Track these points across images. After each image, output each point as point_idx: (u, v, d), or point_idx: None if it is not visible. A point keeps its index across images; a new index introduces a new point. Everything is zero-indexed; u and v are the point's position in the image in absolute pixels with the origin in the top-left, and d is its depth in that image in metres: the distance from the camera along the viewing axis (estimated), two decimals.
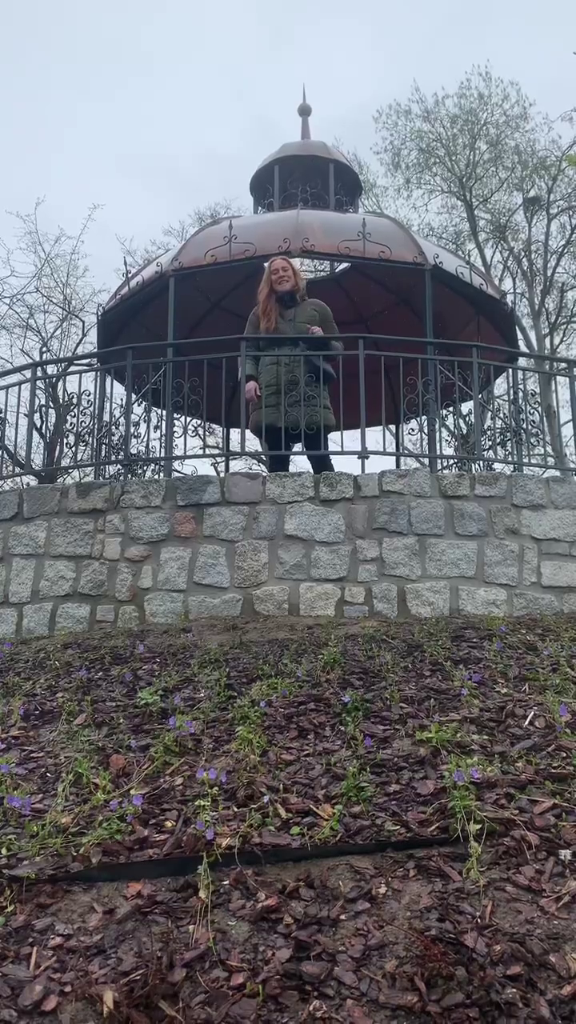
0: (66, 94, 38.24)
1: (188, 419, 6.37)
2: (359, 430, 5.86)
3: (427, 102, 18.96)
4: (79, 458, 7.03)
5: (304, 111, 9.70)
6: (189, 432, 6.30)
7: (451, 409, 8.41)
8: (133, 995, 1.85)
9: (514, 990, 1.83)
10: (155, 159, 36.87)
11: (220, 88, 39.25)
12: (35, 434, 13.18)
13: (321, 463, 5.99)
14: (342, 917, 2.11)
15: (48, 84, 37.80)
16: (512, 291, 19.53)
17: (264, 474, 5.45)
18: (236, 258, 6.89)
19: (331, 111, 31.84)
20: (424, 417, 7.20)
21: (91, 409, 6.34)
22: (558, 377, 6.85)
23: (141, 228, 35.03)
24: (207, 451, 9.74)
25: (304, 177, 8.81)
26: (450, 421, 11.28)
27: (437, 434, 7.11)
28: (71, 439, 6.64)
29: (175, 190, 35.25)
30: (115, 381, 7.20)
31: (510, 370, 7.20)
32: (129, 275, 8.24)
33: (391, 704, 3.36)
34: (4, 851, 2.40)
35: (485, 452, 6.73)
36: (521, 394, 6.83)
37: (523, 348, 18.56)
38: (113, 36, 38.71)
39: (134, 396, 6.39)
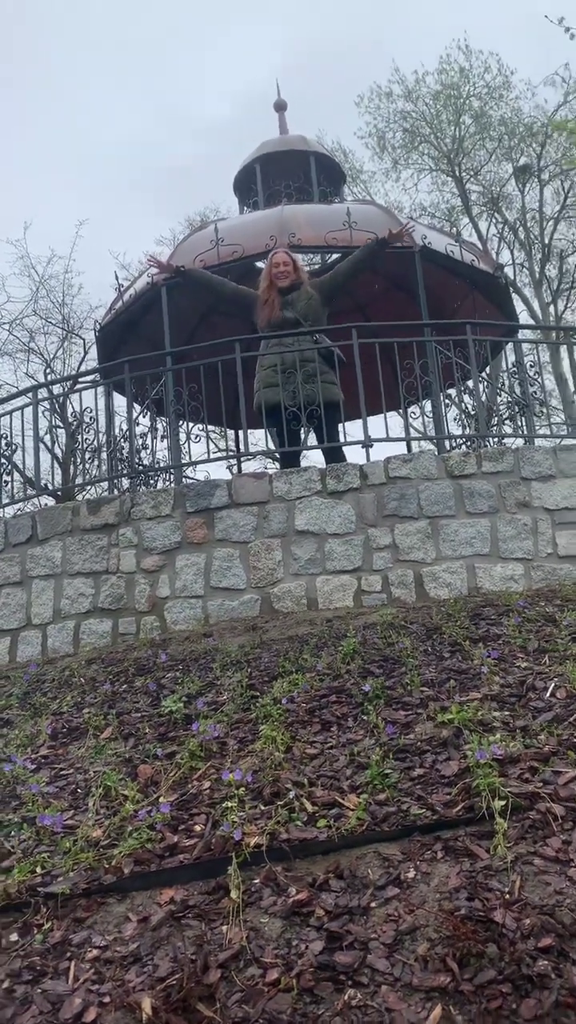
0: None
1: (191, 425, 6.40)
2: (362, 419, 5.85)
3: (408, 81, 18.84)
4: (91, 474, 7.08)
5: (280, 106, 9.67)
6: (195, 439, 6.33)
7: (456, 389, 8.38)
8: (170, 1000, 1.88)
9: (546, 962, 1.83)
10: (90, 158, 35.42)
11: (130, 70, 37.50)
12: (47, 455, 13.30)
13: (333, 453, 5.95)
14: (372, 905, 2.12)
15: None
16: (511, 262, 19.37)
17: (270, 473, 5.45)
18: (225, 261, 6.90)
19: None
20: (427, 400, 7.17)
21: (95, 425, 6.39)
22: (562, 346, 6.80)
23: (103, 232, 33.93)
24: (213, 455, 9.74)
25: (286, 172, 8.81)
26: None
27: (442, 416, 7.07)
28: (80, 457, 6.70)
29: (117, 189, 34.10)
30: (120, 395, 7.27)
31: (510, 343, 7.16)
32: (122, 289, 8.28)
33: (411, 689, 3.36)
34: (39, 870, 2.44)
35: (492, 428, 6.69)
36: (523, 366, 6.78)
37: (528, 319, 18.42)
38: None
39: (141, 407, 6.43)
